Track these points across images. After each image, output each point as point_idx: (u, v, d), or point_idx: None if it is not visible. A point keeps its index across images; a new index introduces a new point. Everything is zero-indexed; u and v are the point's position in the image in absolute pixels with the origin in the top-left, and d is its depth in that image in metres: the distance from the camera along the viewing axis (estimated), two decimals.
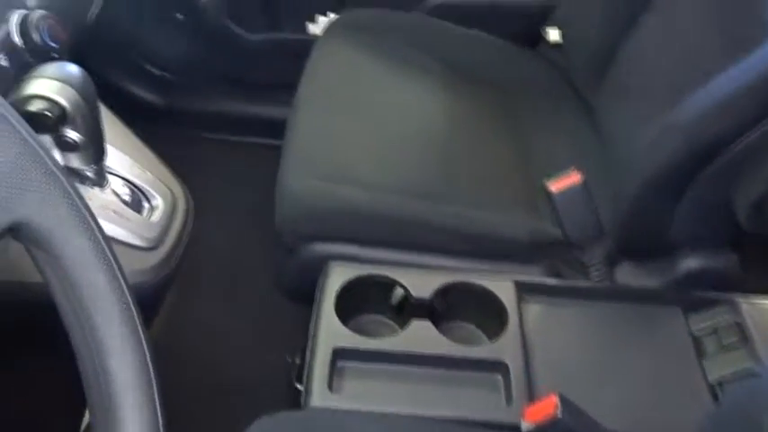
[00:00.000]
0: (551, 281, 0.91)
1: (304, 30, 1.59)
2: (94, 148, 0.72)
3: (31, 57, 0.77)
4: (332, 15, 1.54)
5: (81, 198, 0.40)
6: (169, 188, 0.85)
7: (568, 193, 0.82)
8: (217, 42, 1.61)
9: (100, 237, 0.40)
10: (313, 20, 1.59)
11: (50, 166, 0.39)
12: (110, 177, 0.79)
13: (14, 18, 0.76)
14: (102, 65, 1.57)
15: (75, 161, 0.73)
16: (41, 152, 0.38)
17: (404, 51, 1.25)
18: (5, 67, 0.74)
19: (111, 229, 0.75)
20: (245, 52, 1.61)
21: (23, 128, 0.38)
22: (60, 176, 0.39)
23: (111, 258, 0.41)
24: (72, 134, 0.69)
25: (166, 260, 0.82)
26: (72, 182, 0.40)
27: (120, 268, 0.41)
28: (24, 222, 0.38)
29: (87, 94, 0.68)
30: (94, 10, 1.29)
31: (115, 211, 0.76)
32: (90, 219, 0.40)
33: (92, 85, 0.70)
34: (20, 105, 0.65)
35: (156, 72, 1.62)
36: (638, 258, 0.93)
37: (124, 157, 0.82)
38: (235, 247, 1.41)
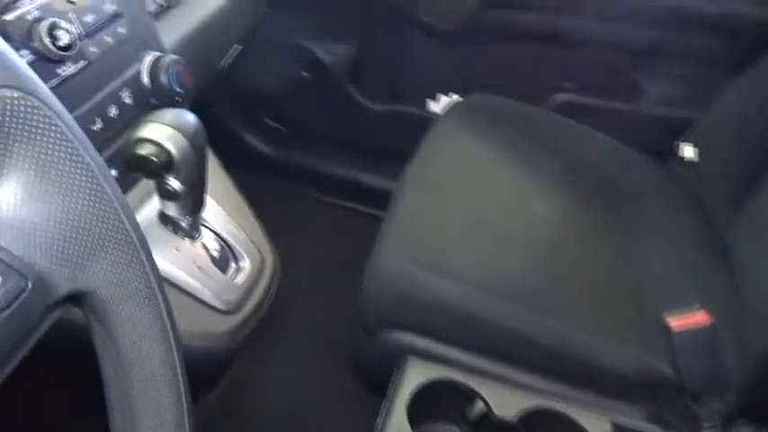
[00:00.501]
0: (656, 430, 0.80)
1: (425, 106, 1.58)
2: (194, 200, 0.70)
3: (154, 98, 0.77)
4: (454, 96, 1.52)
5: (153, 268, 0.36)
6: (259, 251, 0.81)
7: (691, 333, 0.72)
8: (337, 105, 1.62)
9: (165, 315, 0.36)
10: (434, 98, 1.57)
11: (127, 226, 0.35)
12: (203, 230, 0.77)
13: (148, 59, 0.77)
14: (222, 110, 1.62)
15: (173, 210, 0.71)
16: (120, 210, 0.35)
17: (523, 144, 1.19)
18: (128, 104, 0.74)
19: (192, 285, 0.72)
20: (363, 119, 1.61)
21: (106, 180, 0.34)
22: (136, 241, 0.35)
23: (172, 340, 0.36)
24: (174, 183, 0.67)
25: (243, 325, 0.78)
26: (146, 246, 0.36)
27: (178, 350, 0.36)
28: (88, 292, 0.34)
29: (197, 145, 0.66)
30: (227, 60, 1.32)
31: (200, 267, 0.73)
32: (159, 295, 0.36)
33: (203, 137, 0.68)
34: (130, 147, 0.64)
35: (274, 125, 1.64)
36: (760, 422, 0.80)
37: (221, 212, 0.80)
38: (317, 311, 1.37)
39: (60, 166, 0.33)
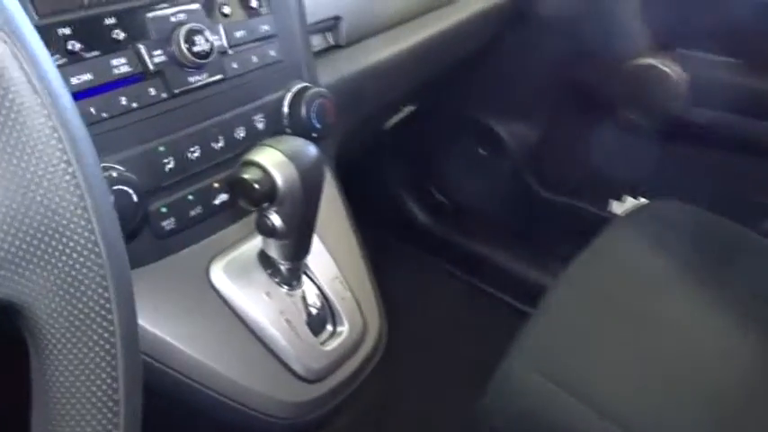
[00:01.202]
0: None
1: (606, 206, 1.41)
2: (296, 242, 0.62)
3: (290, 128, 0.71)
4: (642, 200, 1.33)
5: (123, 301, 0.26)
6: (363, 317, 0.71)
7: None
8: (509, 188, 1.51)
9: (121, 371, 0.26)
10: (620, 198, 1.39)
11: (96, 233, 0.26)
12: (305, 281, 0.68)
13: (295, 88, 0.72)
14: (387, 171, 1.56)
15: (273, 250, 0.63)
16: (91, 210, 0.26)
17: (713, 267, 0.98)
18: (259, 129, 0.69)
19: (273, 339, 0.63)
20: (534, 207, 1.48)
21: (81, 161, 0.26)
22: (104, 257, 0.26)
23: (123, 406, 0.26)
24: (275, 218, 0.59)
25: (326, 399, 0.67)
26: (122, 268, 0.26)
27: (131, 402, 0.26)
28: (19, 305, 0.25)
29: (309, 180, 0.58)
30: (396, 118, 1.27)
31: (289, 322, 0.64)
32: (119, 342, 0.26)
33: (319, 174, 0.60)
34: (237, 169, 0.57)
35: (437, 195, 1.56)
36: None
37: (331, 265, 0.70)
38: (427, 405, 1.22)
39: (16, 131, 0.25)
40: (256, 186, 0.56)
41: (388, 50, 0.95)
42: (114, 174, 0.54)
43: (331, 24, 0.88)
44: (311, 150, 0.60)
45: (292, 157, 0.58)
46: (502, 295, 1.45)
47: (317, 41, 0.87)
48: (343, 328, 0.68)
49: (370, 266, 0.75)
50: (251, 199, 0.57)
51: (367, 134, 1.14)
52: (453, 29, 1.09)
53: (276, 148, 0.58)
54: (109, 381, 0.28)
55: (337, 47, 0.89)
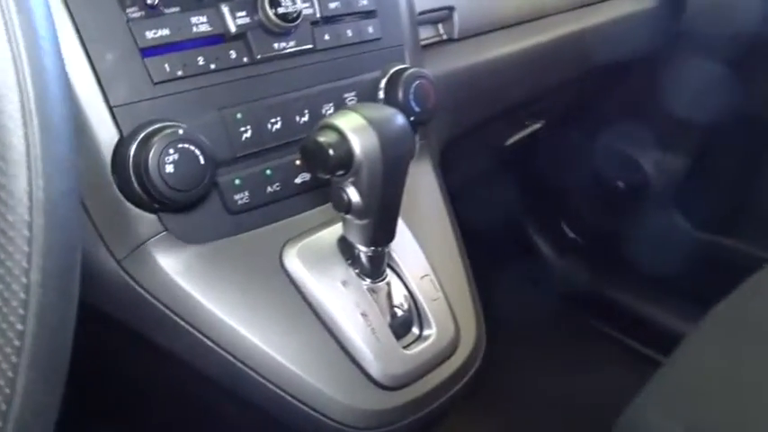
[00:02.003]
0: None
1: (760, 246, 1.22)
2: (376, 225, 0.54)
3: None
4: None
5: None
6: (457, 326, 0.62)
7: None
8: (650, 225, 1.35)
9: None
10: None
11: None
12: (390, 275, 0.60)
13: (392, 70, 0.66)
14: (509, 196, 1.46)
15: (351, 232, 0.56)
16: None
17: None
18: None
19: (345, 334, 0.56)
20: (677, 246, 1.31)
21: None
22: None
23: None
24: (350, 191, 0.52)
25: (405, 411, 0.58)
26: None
27: None
28: None
29: (392, 150, 0.51)
30: (518, 135, 1.17)
31: (366, 317, 0.56)
32: None
33: (406, 147, 0.53)
34: (313, 132, 0.52)
35: (565, 229, 1.43)
36: None
37: (424, 263, 0.62)
38: None
39: None
40: (330, 152, 0.50)
41: (506, 48, 0.88)
42: (180, 131, 0.50)
43: (443, 15, 0.82)
44: (398, 119, 0.53)
45: (374, 123, 0.51)
46: (627, 339, 1.29)
47: (427, 33, 0.82)
48: (431, 332, 0.60)
49: (468, 269, 0.66)
50: (324, 166, 0.51)
51: (485, 149, 1.06)
52: (587, 33, 0.99)
53: (357, 112, 0.52)
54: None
55: (449, 41, 0.83)
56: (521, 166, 1.36)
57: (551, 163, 1.35)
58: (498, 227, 1.38)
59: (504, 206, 1.43)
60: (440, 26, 0.83)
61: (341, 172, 0.51)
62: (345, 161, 0.51)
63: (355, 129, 0.51)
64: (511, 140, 1.11)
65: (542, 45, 0.92)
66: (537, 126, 1.14)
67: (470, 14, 0.83)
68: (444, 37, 0.83)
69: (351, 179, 0.52)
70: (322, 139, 0.51)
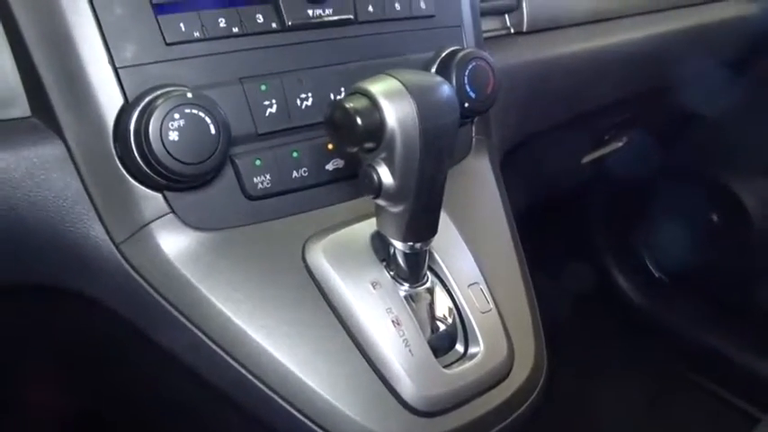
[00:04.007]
0: None
1: None
2: (413, 213, 0.47)
3: None
4: None
5: None
6: (511, 343, 0.53)
7: None
8: (748, 265, 1.22)
9: None
10: None
11: None
12: (432, 281, 0.52)
13: (445, 52, 0.59)
14: (588, 221, 1.34)
15: (385, 222, 0.49)
16: None
17: None
18: None
19: (371, 343, 0.48)
20: None
21: None
22: None
23: None
24: (382, 169, 0.45)
25: None
26: None
27: None
28: None
29: (434, 123, 0.44)
30: (597, 153, 1.08)
31: (398, 325, 0.48)
32: None
33: (451, 120, 0.46)
34: (341, 98, 0.45)
35: (650, 266, 1.30)
36: None
37: (473, 268, 0.54)
38: None
39: None
40: (358, 119, 0.43)
41: (582, 44, 0.79)
42: (189, 94, 0.44)
43: (511, 4, 0.75)
44: (442, 86, 0.46)
45: (412, 88, 0.44)
46: (721, 390, 1.14)
47: (492, 24, 0.75)
48: (478, 350, 0.51)
49: (528, 279, 0.57)
50: (350, 137, 0.44)
51: (557, 165, 0.97)
52: (675, 37, 0.90)
53: (395, 76, 0.45)
54: None
55: (516, 33, 0.76)
56: (598, 190, 1.25)
57: (634, 188, 1.24)
58: (570, 259, 1.26)
59: (577, 235, 1.32)
60: (506, 17, 0.76)
61: (370, 145, 0.44)
62: (375, 132, 0.44)
63: (389, 94, 0.44)
64: (588, 158, 1.01)
65: (624, 45, 0.83)
66: (618, 144, 1.04)
67: (542, 5, 0.76)
68: (511, 30, 0.76)
69: (382, 155, 0.45)
70: (350, 105, 0.44)
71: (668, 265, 1.33)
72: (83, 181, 0.47)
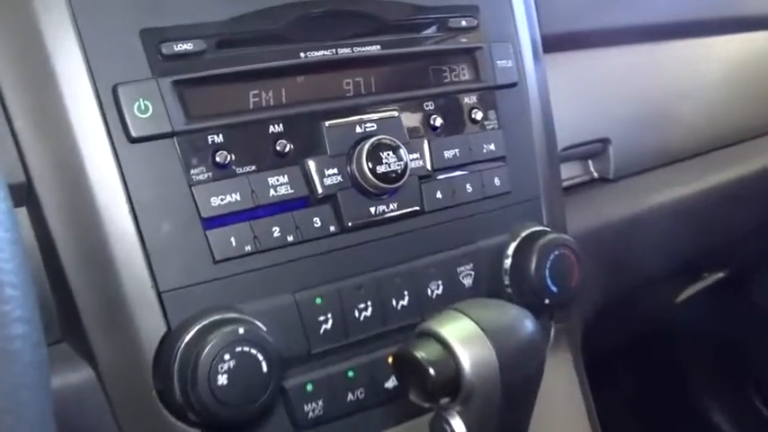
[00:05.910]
0: None
1: None
2: None
3: (510, 288, 0.55)
4: None
5: None
6: None
7: None
8: None
9: None
10: None
11: None
12: None
13: (525, 232, 0.56)
14: (677, 358, 1.26)
15: None
16: None
17: None
18: (466, 286, 0.54)
19: None
20: None
21: None
22: None
23: None
24: (456, 422, 0.42)
25: None
26: None
27: None
28: None
29: (518, 371, 0.41)
30: (694, 288, 1.01)
31: None
32: None
33: (537, 364, 0.42)
34: (408, 342, 0.42)
35: (762, 409, 1.19)
36: None
37: None
38: None
39: None
40: (431, 371, 0.40)
41: (676, 189, 0.75)
42: (241, 329, 0.42)
43: (595, 149, 0.71)
44: (524, 325, 0.42)
45: (491, 332, 0.41)
46: None
47: (573, 171, 0.72)
48: None
49: None
50: (423, 389, 0.41)
51: (648, 307, 0.91)
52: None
53: (468, 315, 0.42)
54: None
55: (601, 180, 0.72)
56: (697, 327, 1.16)
57: (737, 322, 1.16)
58: (667, 401, 1.18)
59: (674, 375, 1.23)
60: (590, 163, 0.73)
61: (446, 399, 0.41)
62: (451, 385, 0.41)
63: (465, 340, 0.41)
64: (683, 296, 0.95)
65: (724, 184, 0.79)
66: (718, 276, 0.97)
67: (630, 148, 0.72)
68: (596, 176, 0.72)
69: (457, 408, 0.41)
70: (420, 354, 0.41)
71: None
72: (114, 413, 0.45)
